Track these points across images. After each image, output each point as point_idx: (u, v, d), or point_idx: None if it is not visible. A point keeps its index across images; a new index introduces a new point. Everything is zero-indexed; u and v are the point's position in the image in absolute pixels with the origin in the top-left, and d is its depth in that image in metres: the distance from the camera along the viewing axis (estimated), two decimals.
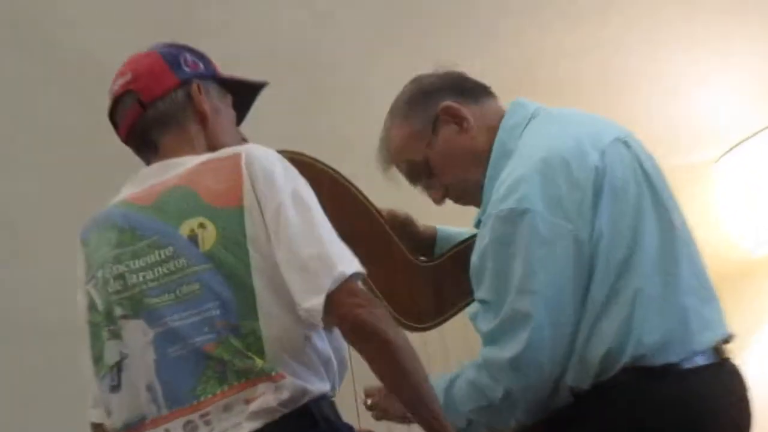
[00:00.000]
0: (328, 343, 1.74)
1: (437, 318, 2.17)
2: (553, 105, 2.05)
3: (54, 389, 2.70)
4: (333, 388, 1.74)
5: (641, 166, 1.95)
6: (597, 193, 1.87)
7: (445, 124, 2.07)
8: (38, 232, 2.78)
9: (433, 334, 2.16)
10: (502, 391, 1.87)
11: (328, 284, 1.63)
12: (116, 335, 1.73)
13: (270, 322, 1.66)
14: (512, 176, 1.90)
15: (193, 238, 1.70)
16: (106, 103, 1.92)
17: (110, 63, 1.92)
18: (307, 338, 1.69)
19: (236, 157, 1.75)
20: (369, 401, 2.10)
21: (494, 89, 2.13)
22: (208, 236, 1.70)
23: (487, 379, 1.89)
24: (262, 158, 1.75)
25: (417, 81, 2.15)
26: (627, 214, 1.88)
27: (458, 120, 2.07)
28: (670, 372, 1.82)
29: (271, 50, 2.75)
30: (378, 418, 2.10)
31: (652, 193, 1.93)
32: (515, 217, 1.86)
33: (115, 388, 1.73)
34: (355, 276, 1.66)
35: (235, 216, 1.70)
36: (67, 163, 2.76)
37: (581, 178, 1.87)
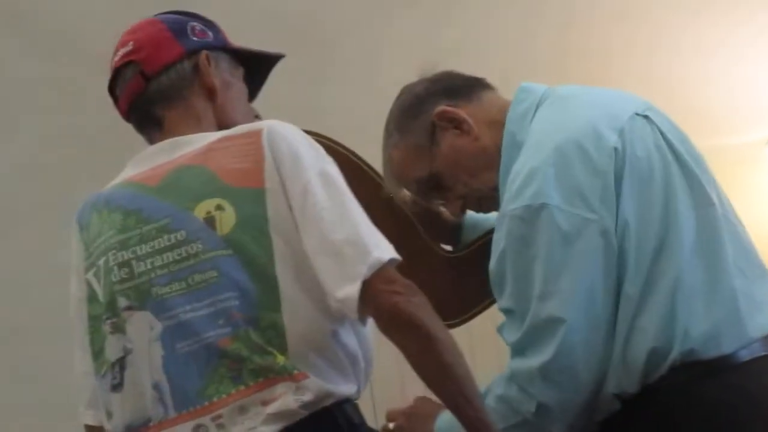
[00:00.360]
0: (356, 340, 1.64)
1: (462, 315, 2.08)
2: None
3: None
4: (359, 390, 1.66)
5: (666, 139, 1.85)
6: (619, 177, 1.77)
7: (444, 131, 1.97)
8: None
9: (458, 332, 2.01)
10: (535, 405, 1.77)
11: (363, 271, 1.54)
12: (119, 329, 1.64)
13: (294, 315, 1.58)
14: (524, 170, 1.80)
15: (209, 221, 1.62)
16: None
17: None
18: (334, 334, 1.60)
19: (256, 133, 1.67)
20: (392, 425, 2.00)
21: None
22: (227, 219, 1.62)
23: (517, 393, 1.79)
24: (286, 135, 1.66)
25: (405, 92, 2.05)
26: (655, 195, 1.78)
27: (456, 123, 1.96)
28: (724, 366, 1.72)
29: (276, 17, 2.71)
30: None
31: (683, 169, 1.82)
32: (531, 214, 1.76)
33: (117, 387, 1.64)
34: (391, 262, 1.58)
35: (256, 198, 1.62)
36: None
37: (600, 162, 1.77)
